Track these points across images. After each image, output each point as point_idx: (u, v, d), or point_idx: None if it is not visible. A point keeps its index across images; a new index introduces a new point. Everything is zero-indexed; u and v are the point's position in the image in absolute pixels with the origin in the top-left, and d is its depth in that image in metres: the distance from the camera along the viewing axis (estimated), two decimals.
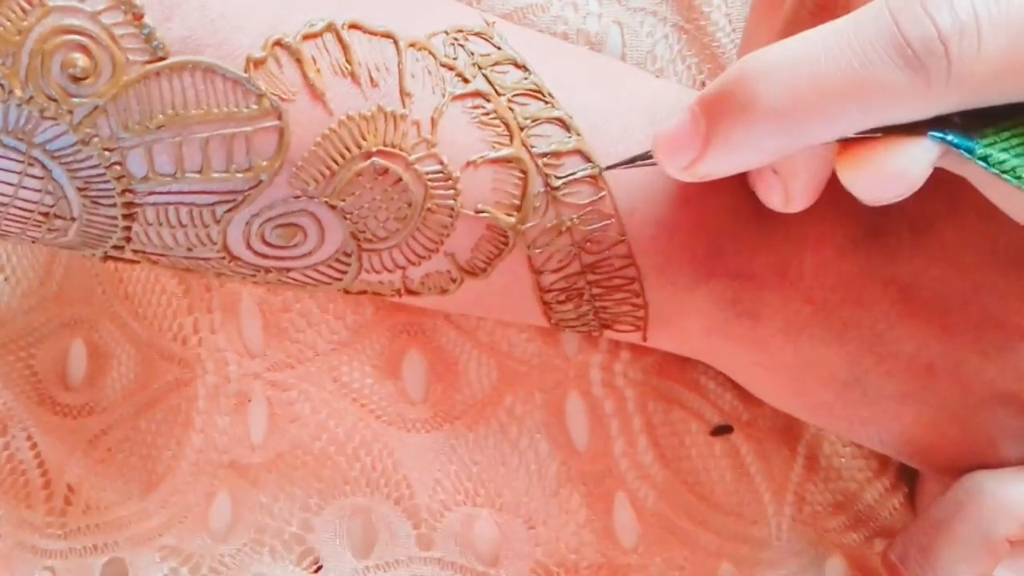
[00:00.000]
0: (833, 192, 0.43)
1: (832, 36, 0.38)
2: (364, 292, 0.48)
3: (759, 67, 0.39)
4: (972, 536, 0.46)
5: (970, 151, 0.39)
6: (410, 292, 0.48)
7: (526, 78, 0.47)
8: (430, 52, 0.46)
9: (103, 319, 0.56)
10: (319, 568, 0.55)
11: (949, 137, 0.39)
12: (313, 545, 0.55)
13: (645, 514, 0.54)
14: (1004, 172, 0.40)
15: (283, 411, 0.54)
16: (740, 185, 0.47)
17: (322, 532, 0.55)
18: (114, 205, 0.44)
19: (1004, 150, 0.40)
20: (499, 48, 0.47)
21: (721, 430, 0.55)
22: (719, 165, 0.41)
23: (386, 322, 0.54)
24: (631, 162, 0.46)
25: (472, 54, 0.46)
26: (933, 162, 0.40)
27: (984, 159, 0.40)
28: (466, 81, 0.46)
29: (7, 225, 0.45)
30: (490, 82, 0.46)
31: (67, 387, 0.56)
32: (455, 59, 0.46)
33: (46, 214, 0.44)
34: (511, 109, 0.46)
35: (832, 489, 0.56)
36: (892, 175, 0.40)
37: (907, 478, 0.56)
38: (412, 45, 0.45)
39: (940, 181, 0.41)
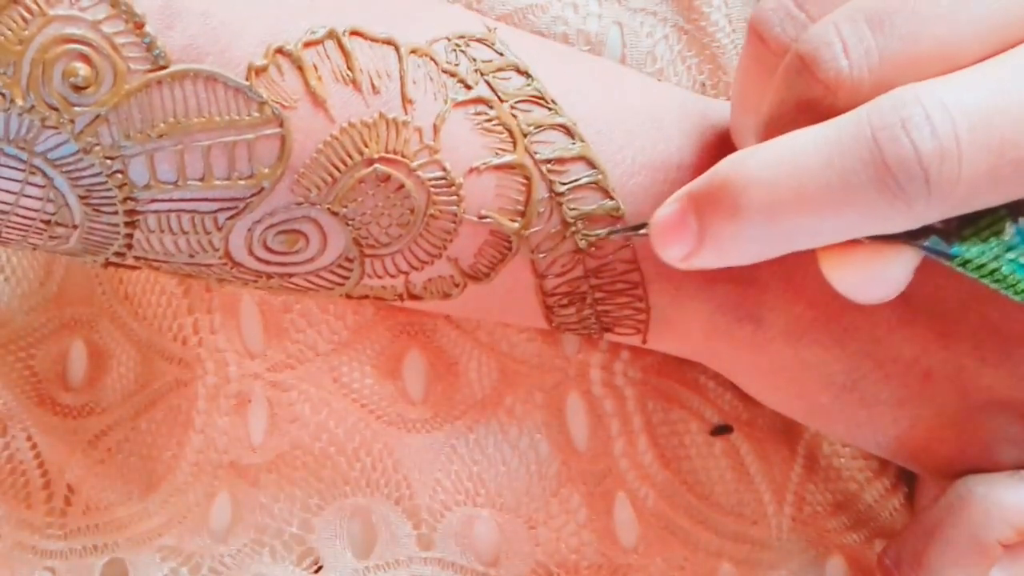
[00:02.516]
0: None
1: (812, 147, 0.39)
2: (366, 297, 0.48)
3: (743, 173, 0.40)
4: (964, 540, 0.46)
5: (949, 258, 0.40)
6: (413, 297, 0.48)
7: (529, 84, 0.47)
8: (432, 58, 0.46)
9: (103, 319, 0.56)
10: (319, 568, 0.55)
11: (928, 244, 0.40)
12: (313, 545, 0.55)
13: (645, 514, 0.54)
14: (983, 276, 0.41)
15: (283, 411, 0.54)
16: None
17: (322, 532, 0.55)
18: (116, 213, 0.44)
19: (982, 252, 0.41)
20: (501, 54, 0.47)
21: (721, 430, 0.55)
22: (712, 262, 0.41)
23: (386, 322, 0.54)
24: (628, 230, 0.47)
25: (474, 60, 0.46)
26: (915, 266, 0.41)
27: (963, 264, 0.41)
28: (468, 87, 0.46)
29: (8, 233, 0.45)
30: (492, 88, 0.46)
31: (67, 387, 0.56)
32: (457, 65, 0.46)
33: (48, 222, 0.44)
34: (514, 116, 0.46)
35: (832, 489, 0.56)
36: (874, 279, 0.41)
37: (907, 479, 0.56)
38: (414, 51, 0.45)
39: None
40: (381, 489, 0.54)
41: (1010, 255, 0.41)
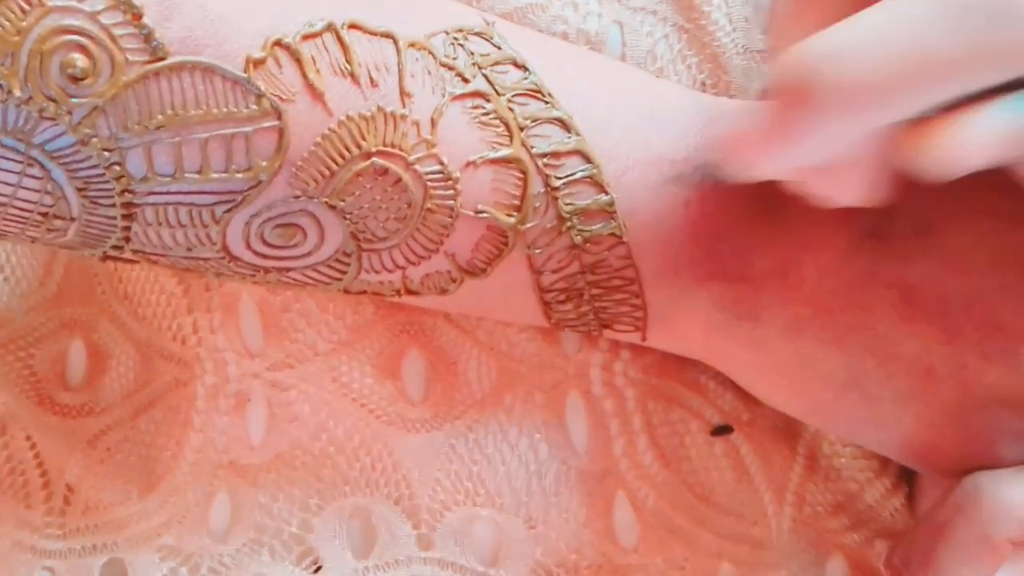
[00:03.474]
0: None
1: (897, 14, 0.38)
2: (364, 292, 0.48)
3: (831, 51, 0.38)
4: (973, 538, 0.46)
5: None
6: (410, 292, 0.48)
7: (526, 78, 0.47)
8: (430, 52, 0.45)
9: (102, 319, 0.56)
10: (318, 568, 0.55)
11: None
12: (313, 545, 0.55)
13: (645, 514, 0.54)
14: None
15: (282, 411, 0.54)
16: (740, 186, 0.47)
17: (322, 532, 0.55)
18: (113, 205, 0.44)
19: None
20: (499, 48, 0.47)
21: (721, 430, 0.55)
22: (795, 157, 0.40)
23: (386, 322, 0.54)
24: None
25: (472, 54, 0.46)
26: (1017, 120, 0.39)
27: None
28: (466, 81, 0.46)
29: (6, 225, 0.45)
30: (490, 82, 0.46)
31: (66, 387, 0.56)
32: (455, 59, 0.46)
33: (45, 214, 0.44)
34: (511, 109, 0.46)
35: (832, 489, 0.56)
36: (972, 144, 0.39)
37: (908, 479, 0.56)
38: (412, 45, 0.45)
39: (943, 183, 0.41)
40: (381, 489, 0.54)
41: None
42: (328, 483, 0.55)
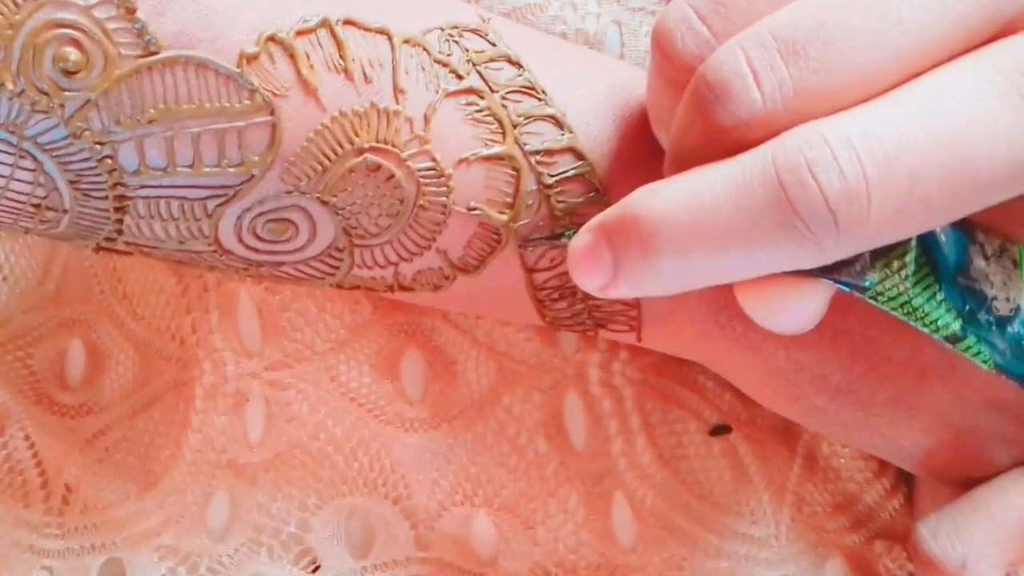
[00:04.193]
0: None
1: (718, 187, 0.38)
2: (357, 287, 0.48)
3: (654, 209, 0.39)
4: (1011, 524, 0.46)
5: (862, 291, 0.40)
6: (403, 288, 0.48)
7: (520, 75, 0.47)
8: (424, 48, 0.45)
9: (101, 319, 0.56)
10: (317, 568, 0.55)
11: (841, 279, 0.40)
12: (311, 545, 0.55)
13: (643, 514, 0.54)
14: (894, 308, 0.41)
15: (281, 411, 0.54)
16: None
17: (320, 532, 0.55)
18: (105, 198, 0.44)
19: (895, 284, 0.41)
20: (494, 45, 0.47)
21: (719, 430, 0.55)
22: (629, 292, 0.41)
23: (384, 322, 0.54)
24: (550, 238, 0.47)
25: (467, 50, 0.46)
26: (828, 298, 0.41)
27: (875, 298, 0.41)
28: (460, 78, 0.46)
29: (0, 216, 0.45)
30: (484, 79, 0.46)
31: (65, 387, 0.57)
32: (450, 55, 0.46)
33: (38, 205, 0.44)
34: (504, 106, 0.46)
35: (831, 490, 0.56)
36: (790, 312, 0.41)
37: (906, 479, 0.56)
38: (407, 41, 0.45)
39: None
40: (379, 489, 0.55)
41: (922, 286, 0.41)
42: (326, 483, 0.55)
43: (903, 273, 0.40)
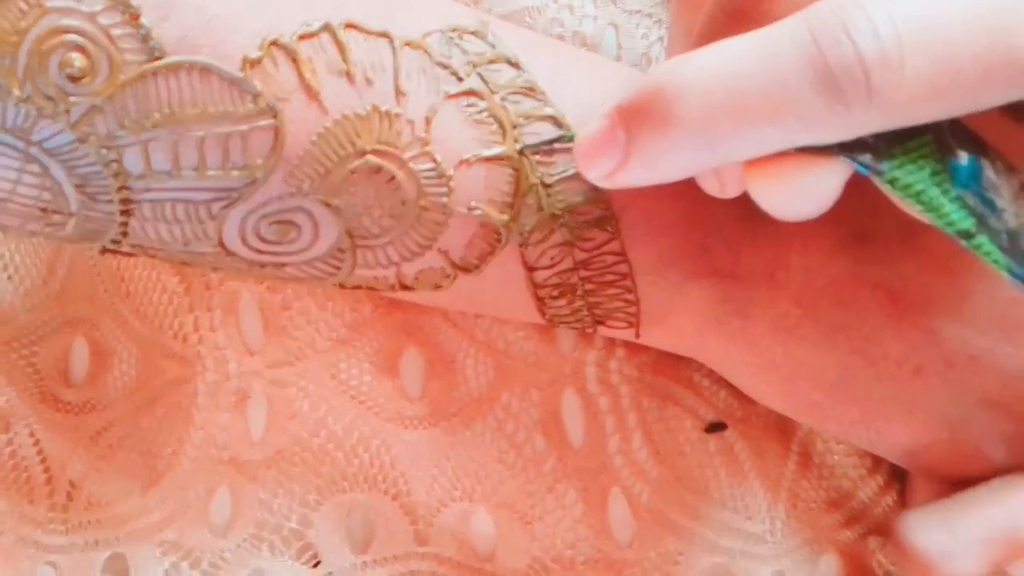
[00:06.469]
0: None
1: (749, 53, 0.38)
2: (360, 287, 0.49)
3: (676, 81, 0.38)
4: (1000, 523, 0.46)
5: (879, 174, 0.39)
6: (405, 287, 0.48)
7: (520, 76, 0.47)
8: (425, 51, 0.46)
9: (105, 317, 0.56)
10: (317, 563, 0.55)
11: (860, 159, 0.39)
12: (312, 540, 0.55)
13: (640, 510, 0.55)
14: (908, 196, 0.40)
15: (282, 408, 0.55)
16: None
17: (320, 528, 0.55)
18: (111, 201, 0.44)
19: (911, 172, 0.40)
20: (494, 47, 0.47)
21: (715, 427, 0.55)
22: (640, 176, 0.41)
23: (384, 320, 0.55)
24: (550, 143, 0.46)
25: (467, 52, 0.47)
26: (844, 180, 0.40)
27: (891, 182, 0.40)
28: (460, 79, 0.46)
29: (7, 219, 0.45)
30: (484, 80, 0.46)
31: (69, 384, 0.57)
32: (450, 58, 0.46)
33: (44, 209, 0.44)
34: (504, 107, 0.46)
35: (826, 486, 0.56)
36: (802, 193, 0.40)
37: (900, 476, 0.56)
38: (408, 44, 0.45)
39: None
40: (379, 485, 0.55)
41: (936, 180, 0.40)
42: (327, 479, 0.55)
43: (919, 163, 0.39)
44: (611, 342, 0.54)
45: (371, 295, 0.54)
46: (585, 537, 0.55)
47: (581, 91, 0.48)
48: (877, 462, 0.56)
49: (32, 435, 0.57)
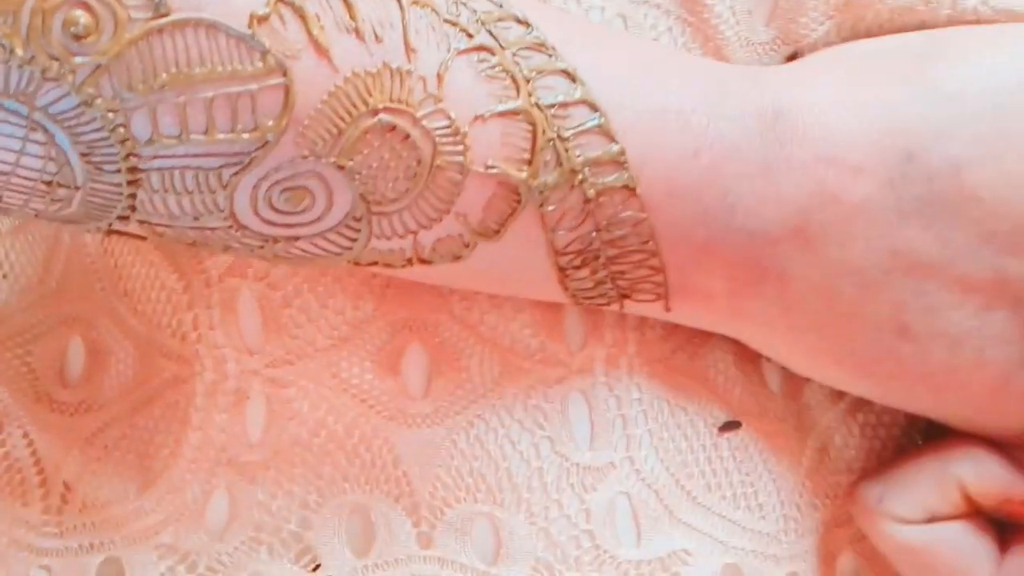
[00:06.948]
0: (852, 140, 0.44)
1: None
2: (375, 263, 0.48)
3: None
4: (936, 471, 0.48)
5: None
6: (422, 260, 0.48)
7: (529, 33, 0.46)
8: (433, 9, 0.45)
9: (101, 316, 0.56)
10: (317, 566, 0.54)
11: None
12: (312, 543, 0.54)
13: (647, 510, 0.54)
14: None
15: (281, 408, 0.54)
16: (748, 138, 0.47)
17: (321, 530, 0.54)
18: (118, 171, 0.43)
19: None
20: (500, 6, 0.47)
21: (729, 426, 0.54)
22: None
23: (387, 318, 0.54)
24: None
25: (474, 11, 0.46)
26: None
27: None
28: (470, 36, 0.45)
29: (10, 197, 0.44)
30: (494, 36, 0.46)
31: (64, 384, 0.56)
32: (458, 15, 0.46)
33: (49, 183, 0.44)
34: (516, 63, 0.46)
35: (843, 482, 0.55)
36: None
37: None
38: (415, 2, 0.45)
39: None
40: (381, 486, 0.54)
41: None
42: (327, 480, 0.54)
43: None
44: (622, 338, 0.54)
45: (374, 291, 0.54)
46: (592, 538, 0.54)
47: (589, 47, 0.48)
48: (896, 460, 0.55)
49: (26, 436, 0.56)
